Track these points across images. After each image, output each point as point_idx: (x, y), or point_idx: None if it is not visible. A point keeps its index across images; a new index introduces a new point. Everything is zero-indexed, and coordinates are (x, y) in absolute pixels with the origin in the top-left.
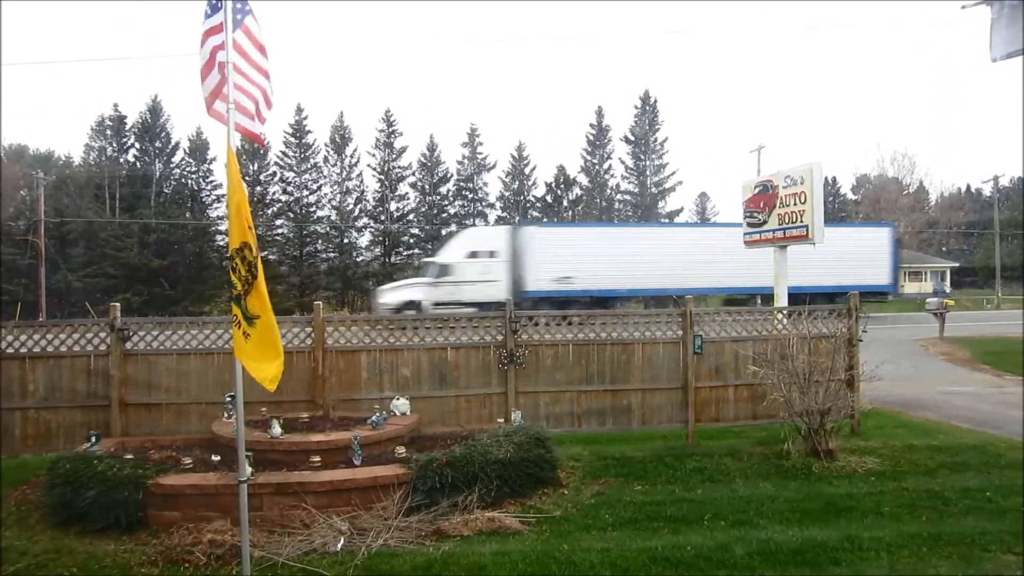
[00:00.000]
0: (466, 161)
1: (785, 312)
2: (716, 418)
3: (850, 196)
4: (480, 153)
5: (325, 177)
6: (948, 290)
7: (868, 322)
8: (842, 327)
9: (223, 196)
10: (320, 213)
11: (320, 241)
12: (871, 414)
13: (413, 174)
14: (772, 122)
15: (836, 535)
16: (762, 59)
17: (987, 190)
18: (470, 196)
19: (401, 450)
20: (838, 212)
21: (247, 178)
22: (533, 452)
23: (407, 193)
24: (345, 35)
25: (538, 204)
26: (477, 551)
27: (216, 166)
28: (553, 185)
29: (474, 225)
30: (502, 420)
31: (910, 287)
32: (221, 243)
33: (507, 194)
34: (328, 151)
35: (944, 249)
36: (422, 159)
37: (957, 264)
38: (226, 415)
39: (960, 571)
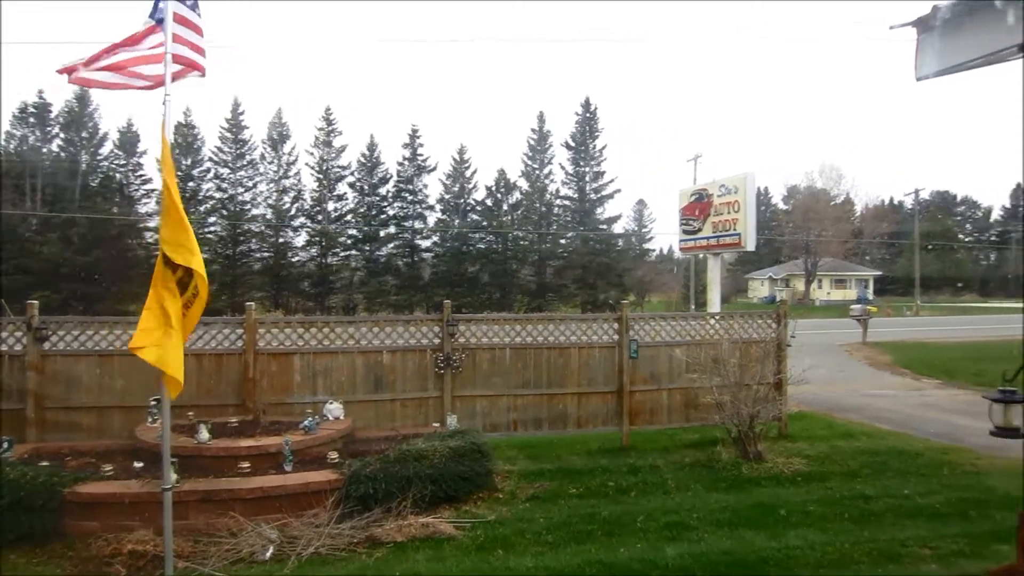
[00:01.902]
0: (406, 163)
1: (718, 317)
2: (650, 421)
3: (781, 206)
4: (421, 155)
5: (261, 175)
6: (871, 297)
7: (796, 327)
8: (772, 332)
9: (154, 191)
10: (255, 211)
11: (255, 240)
12: (798, 416)
13: (352, 174)
14: (709, 133)
15: (765, 534)
16: (700, 72)
17: (908, 203)
18: (410, 198)
19: (334, 455)
20: (770, 222)
21: (179, 173)
22: (469, 456)
23: (346, 193)
24: (285, 31)
25: (478, 208)
26: (411, 557)
27: (147, 159)
28: (494, 189)
29: (412, 227)
30: (438, 424)
31: (836, 294)
32: (151, 240)
33: (447, 197)
34: (265, 148)
35: (868, 258)
36: (362, 159)
37: (880, 273)
38: (151, 420)
39: (881, 567)
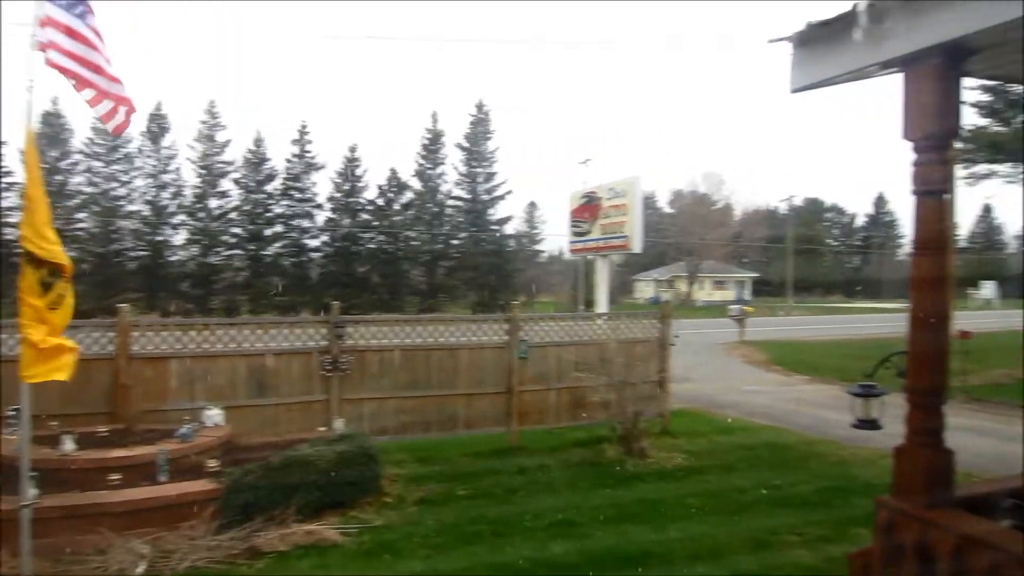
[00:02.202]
0: (295, 160)
1: (605, 317)
2: (539, 421)
3: (667, 210)
4: (310, 152)
5: (138, 169)
6: (748, 298)
7: (679, 327)
8: (656, 332)
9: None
10: (131, 208)
11: (130, 238)
12: (680, 413)
13: (237, 170)
14: (599, 138)
15: (647, 529)
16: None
17: (783, 209)
18: (298, 196)
19: (214, 463)
20: (656, 225)
21: (45, 164)
22: (356, 461)
23: (230, 190)
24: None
25: (369, 207)
26: (294, 566)
27: (8, 150)
28: (385, 188)
29: (300, 226)
30: (324, 428)
31: (716, 295)
32: (8, 235)
33: (337, 195)
34: (143, 141)
35: (746, 261)
36: (248, 155)
37: (757, 275)
38: (8, 431)
39: (753, 554)
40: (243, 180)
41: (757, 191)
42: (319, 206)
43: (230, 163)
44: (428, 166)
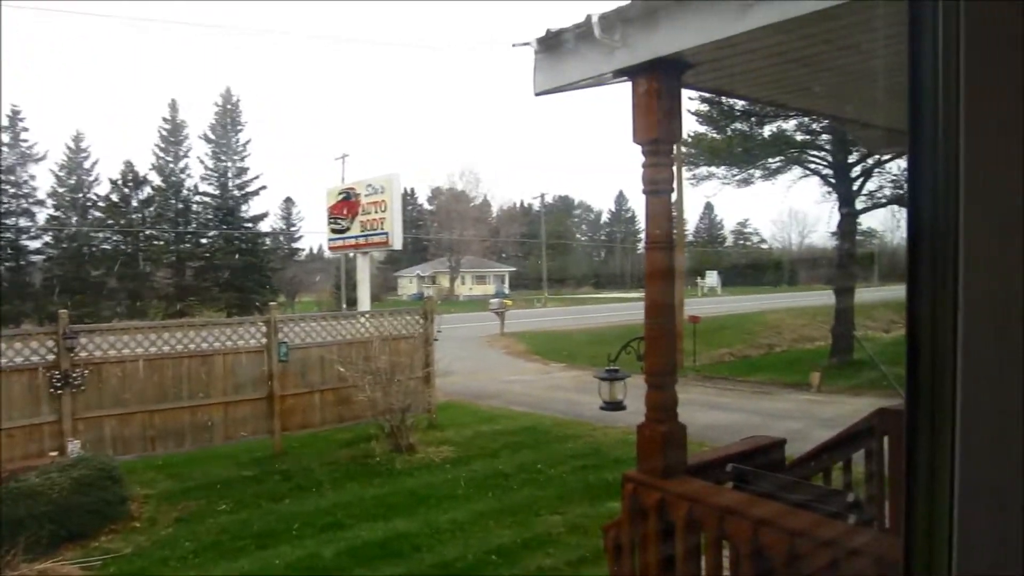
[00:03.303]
0: (7, 149)
1: (368, 315)
2: (304, 424)
3: (427, 207)
4: (25, 141)
5: None
6: (507, 292)
7: (442, 322)
8: (419, 328)
9: None
10: None
11: None
12: (446, 406)
13: None
14: (357, 134)
15: (417, 523)
16: (350, 73)
17: (536, 206)
18: (12, 191)
19: None
20: (416, 221)
21: None
22: (96, 486)
23: None
24: None
25: (101, 204)
26: None
27: None
28: (120, 183)
29: (17, 225)
30: (56, 453)
31: (477, 290)
32: None
33: (62, 191)
34: None
35: (504, 256)
36: None
37: (514, 269)
38: None
39: (519, 536)
40: None
41: (512, 188)
42: (40, 202)
43: None
44: (168, 159)
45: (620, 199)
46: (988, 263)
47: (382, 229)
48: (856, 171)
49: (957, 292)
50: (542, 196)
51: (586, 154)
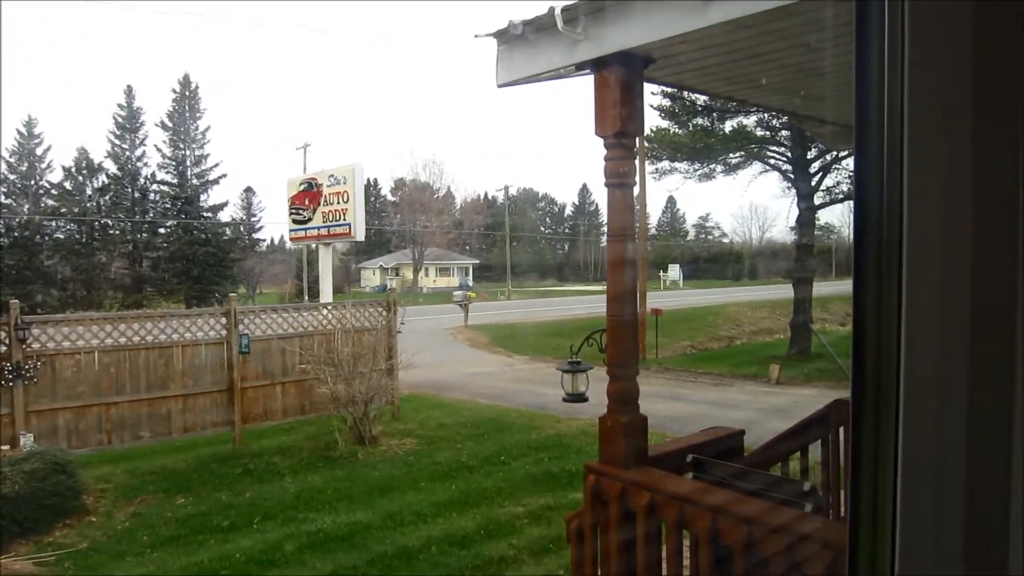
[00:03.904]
0: None
1: (331, 307)
2: (265, 417)
3: (390, 198)
4: None
5: None
6: (471, 284)
7: (405, 314)
8: (383, 320)
9: None
10: None
11: None
12: (409, 399)
13: None
14: (319, 123)
15: (380, 515)
16: (311, 61)
17: (501, 198)
18: None
19: None
20: (380, 212)
21: None
22: (50, 480)
23: None
24: None
25: (55, 191)
26: None
27: None
28: (74, 170)
29: None
30: (7, 448)
31: (441, 282)
32: None
33: (13, 178)
34: None
35: (468, 248)
36: None
37: (478, 261)
38: None
39: (484, 529)
40: None
41: (477, 180)
42: None
43: None
44: (125, 147)
45: (584, 192)
46: (931, 257)
47: (344, 220)
48: (815, 167)
49: (901, 285)
50: (506, 188)
51: (550, 147)
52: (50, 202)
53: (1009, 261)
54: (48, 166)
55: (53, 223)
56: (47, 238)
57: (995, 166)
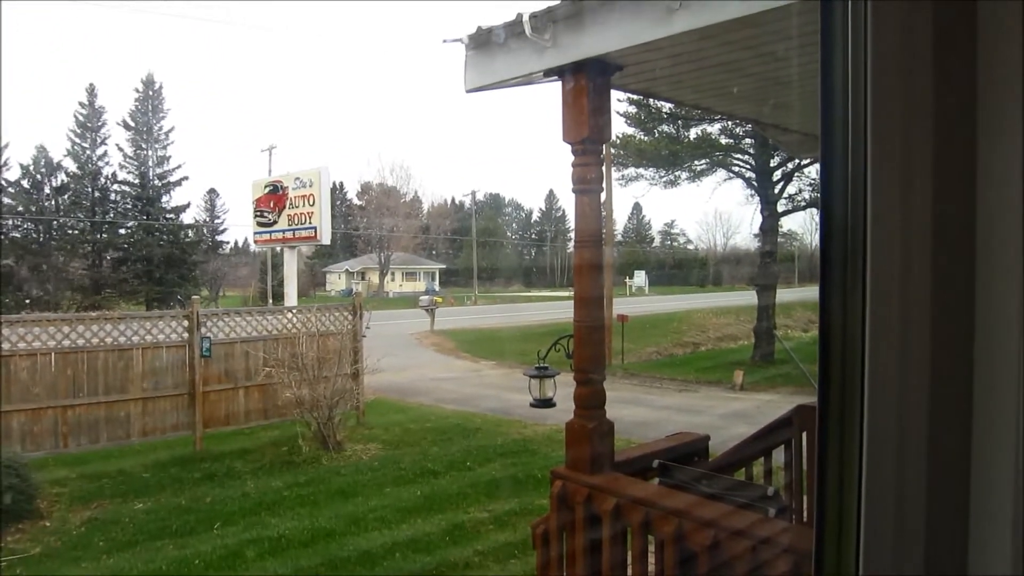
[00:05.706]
0: None
1: (296, 311)
2: (227, 422)
3: (356, 202)
4: None
5: None
6: (438, 288)
7: (371, 319)
8: (348, 325)
9: None
10: None
11: None
12: (375, 404)
13: None
14: (285, 125)
15: (344, 521)
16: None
17: (468, 203)
18: None
19: None
20: (346, 216)
21: None
22: (2, 484)
23: None
24: None
25: (11, 190)
26: None
27: None
28: (32, 169)
29: None
30: None
31: (407, 286)
32: None
33: None
34: None
35: (435, 252)
36: None
37: (445, 266)
38: None
39: (449, 535)
40: None
41: (443, 185)
42: None
43: None
44: (85, 146)
45: (551, 198)
46: (893, 264)
47: (310, 223)
48: (778, 175)
49: (865, 292)
50: (473, 193)
51: (518, 152)
52: (7, 200)
53: (967, 262)
54: (5, 163)
55: (9, 222)
56: (3, 237)
57: (953, 167)
